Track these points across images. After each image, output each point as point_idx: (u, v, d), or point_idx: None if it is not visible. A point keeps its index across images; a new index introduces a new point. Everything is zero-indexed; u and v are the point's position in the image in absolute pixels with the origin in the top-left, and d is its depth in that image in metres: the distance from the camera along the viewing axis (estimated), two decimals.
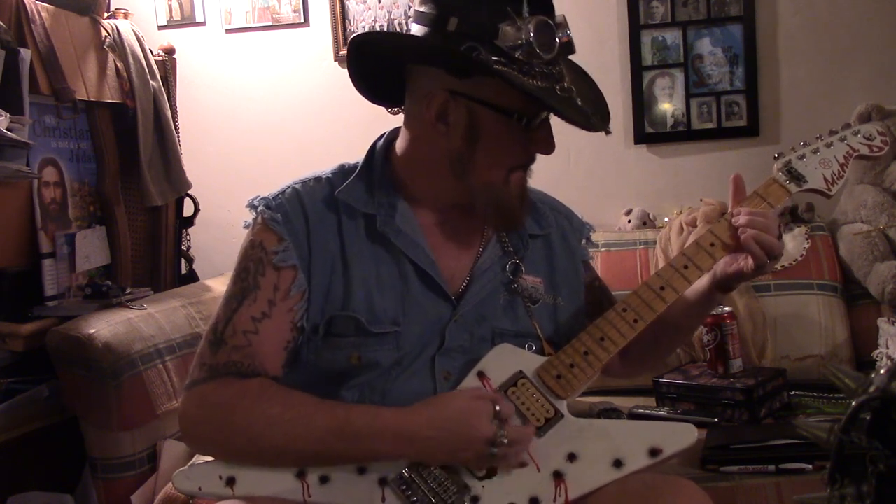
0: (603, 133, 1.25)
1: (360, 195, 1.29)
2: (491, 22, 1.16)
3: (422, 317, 1.26)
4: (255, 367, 1.21)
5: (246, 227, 1.30)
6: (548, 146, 1.25)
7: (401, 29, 2.73)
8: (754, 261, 1.27)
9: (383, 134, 1.36)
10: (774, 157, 1.37)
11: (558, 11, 1.22)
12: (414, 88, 1.27)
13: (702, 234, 1.32)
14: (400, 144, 1.31)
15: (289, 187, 1.30)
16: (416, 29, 1.22)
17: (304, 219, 1.26)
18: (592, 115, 1.21)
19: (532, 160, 1.28)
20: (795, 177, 1.34)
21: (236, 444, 1.18)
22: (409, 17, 2.60)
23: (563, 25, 1.21)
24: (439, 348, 1.27)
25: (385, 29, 2.75)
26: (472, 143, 1.22)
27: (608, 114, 1.28)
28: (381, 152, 1.33)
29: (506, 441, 1.14)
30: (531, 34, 1.14)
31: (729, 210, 1.33)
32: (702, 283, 1.33)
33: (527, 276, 1.33)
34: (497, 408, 1.16)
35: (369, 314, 1.24)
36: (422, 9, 1.21)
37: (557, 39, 1.18)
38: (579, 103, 1.20)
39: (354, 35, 1.26)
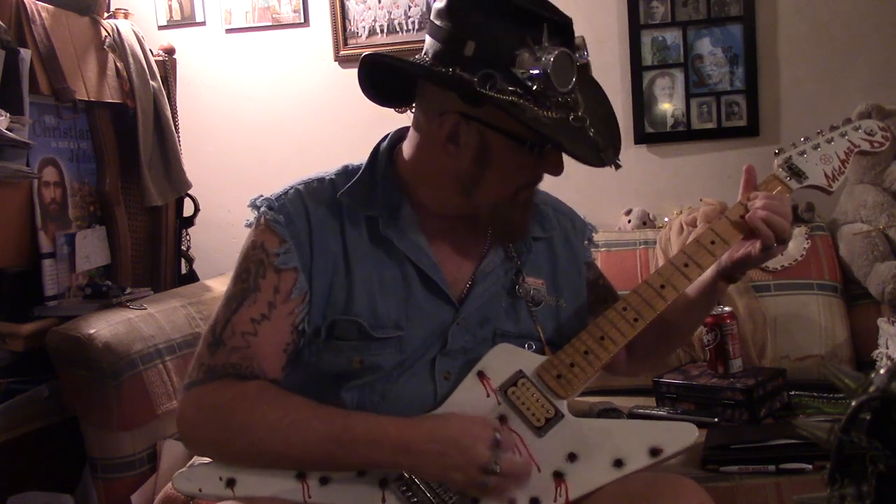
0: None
1: (363, 197, 1.28)
2: (509, 49, 1.13)
3: (424, 320, 1.26)
4: (254, 369, 1.20)
5: (248, 226, 1.29)
6: (557, 169, 1.23)
7: (400, 29, 2.74)
8: (762, 242, 1.26)
9: (387, 135, 1.35)
10: (775, 153, 1.37)
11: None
12: (424, 102, 1.25)
13: (702, 232, 1.32)
14: (407, 149, 1.29)
15: (292, 188, 1.29)
16: (430, 43, 1.19)
17: (307, 221, 1.25)
18: (603, 149, 1.19)
19: (540, 180, 1.27)
20: (796, 173, 1.34)
21: (235, 446, 1.18)
22: (423, 23, 2.62)
23: (582, 47, 1.19)
24: (441, 350, 1.26)
25: (385, 30, 2.75)
26: (481, 166, 1.20)
27: (618, 135, 1.26)
28: (384, 154, 1.31)
29: (498, 470, 1.13)
30: (549, 66, 1.12)
31: (738, 199, 1.33)
32: (706, 274, 1.32)
33: (529, 278, 1.33)
34: (498, 436, 1.15)
35: (372, 318, 1.24)
36: (439, 23, 1.18)
37: (575, 68, 1.15)
38: (591, 133, 1.18)
39: (365, 55, 1.24)
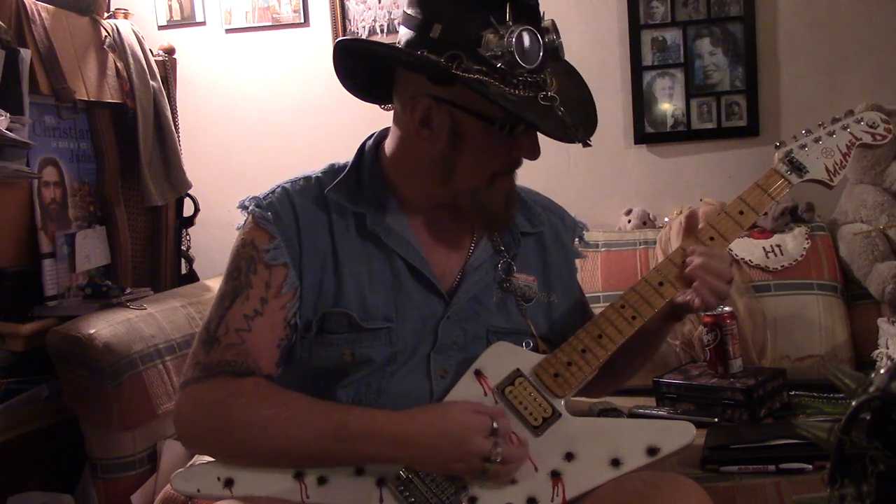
0: (594, 135, 1.22)
1: (349, 194, 1.29)
2: (474, 30, 1.16)
3: (414, 313, 1.27)
4: (249, 366, 1.21)
5: (239, 228, 1.30)
6: (532, 153, 1.24)
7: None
8: (700, 300, 1.26)
9: (373, 133, 1.36)
10: (775, 146, 1.35)
11: (559, 12, 1.22)
12: (400, 91, 1.27)
13: (701, 228, 1.32)
14: (388, 144, 1.32)
15: (279, 187, 1.31)
16: (403, 31, 1.22)
17: (295, 217, 1.27)
18: (572, 126, 1.19)
19: (517, 165, 1.27)
20: (797, 167, 1.33)
21: (231, 443, 1.18)
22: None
23: (551, 30, 1.20)
24: (433, 346, 1.27)
25: (385, 29, 2.76)
26: (455, 149, 1.22)
27: (594, 119, 1.26)
28: (370, 151, 1.33)
29: (500, 459, 1.14)
30: (513, 44, 1.14)
31: (679, 245, 1.31)
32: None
33: (519, 274, 1.33)
34: (495, 424, 1.15)
35: (362, 310, 1.24)
36: (409, 11, 1.21)
37: (542, 47, 1.17)
38: (561, 112, 1.18)
39: (338, 40, 1.27)
